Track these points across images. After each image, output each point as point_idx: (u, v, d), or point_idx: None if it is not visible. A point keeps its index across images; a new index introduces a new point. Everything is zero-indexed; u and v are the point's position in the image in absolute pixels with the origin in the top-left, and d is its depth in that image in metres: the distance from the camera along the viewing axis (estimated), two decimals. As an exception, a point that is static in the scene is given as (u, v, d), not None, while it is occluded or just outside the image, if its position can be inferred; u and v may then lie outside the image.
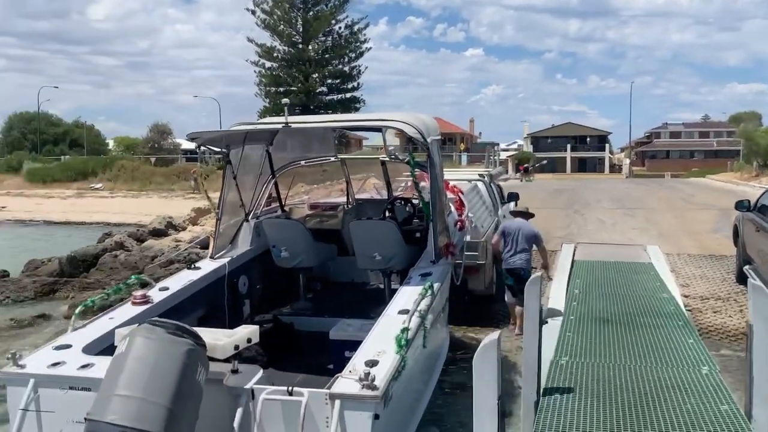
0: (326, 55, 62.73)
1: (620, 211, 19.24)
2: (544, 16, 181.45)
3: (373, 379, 3.60)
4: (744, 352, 7.68)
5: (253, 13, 61.87)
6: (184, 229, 16.94)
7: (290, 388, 3.64)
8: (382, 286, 6.97)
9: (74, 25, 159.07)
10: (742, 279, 10.40)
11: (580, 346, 6.19)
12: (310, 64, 60.99)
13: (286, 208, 8.01)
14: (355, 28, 64.60)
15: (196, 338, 3.57)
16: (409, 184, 8.57)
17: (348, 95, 65.49)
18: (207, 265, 6.26)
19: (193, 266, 6.26)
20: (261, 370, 3.91)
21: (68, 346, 4.32)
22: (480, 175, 11.43)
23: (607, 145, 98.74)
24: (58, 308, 11.41)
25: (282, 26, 62.14)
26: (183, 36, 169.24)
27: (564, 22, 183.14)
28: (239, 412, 3.62)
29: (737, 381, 6.45)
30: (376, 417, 3.56)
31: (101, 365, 3.80)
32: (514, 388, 6.36)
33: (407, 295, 5.10)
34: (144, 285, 5.62)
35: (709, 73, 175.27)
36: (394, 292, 5.56)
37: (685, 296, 9.83)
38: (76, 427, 3.64)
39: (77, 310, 4.80)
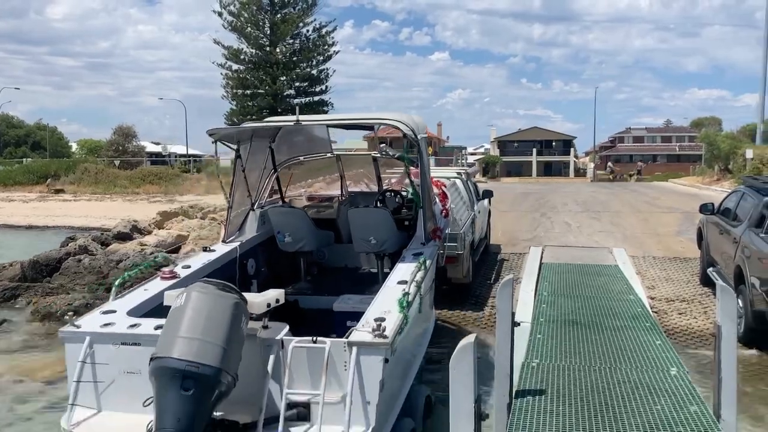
0: (294, 58, 62.42)
1: (586, 215, 19.40)
2: (508, 20, 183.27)
3: (384, 330, 4.22)
4: (709, 353, 7.84)
5: (220, 15, 61.23)
6: (149, 232, 16.65)
7: (314, 338, 4.23)
8: (374, 270, 7.60)
9: (32, 25, 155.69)
10: (706, 281, 10.59)
11: (551, 348, 6.24)
12: (278, 66, 60.69)
13: (286, 200, 8.56)
14: (323, 31, 64.42)
15: (240, 295, 4.16)
16: (393, 181, 9.63)
17: (316, 98, 65.30)
18: (220, 249, 6.87)
19: (208, 249, 6.88)
20: (287, 326, 4.45)
21: (113, 311, 4.87)
22: (458, 173, 12.38)
23: (572, 150, 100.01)
24: (21, 313, 11.14)
25: (249, 28, 61.70)
26: (145, 37, 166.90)
27: (528, 27, 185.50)
28: (272, 359, 4.23)
29: (703, 381, 6.56)
30: (386, 361, 4.16)
31: (147, 325, 4.51)
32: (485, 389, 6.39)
33: (404, 269, 5.72)
34: (164, 265, 6.49)
35: (670, 78, 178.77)
36: (386, 275, 6.03)
37: (651, 298, 9.97)
38: (127, 377, 4.34)
39: (116, 282, 5.40)
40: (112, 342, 4.46)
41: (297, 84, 64.43)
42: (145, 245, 14.92)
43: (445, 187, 9.26)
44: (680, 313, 9.52)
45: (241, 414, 4.09)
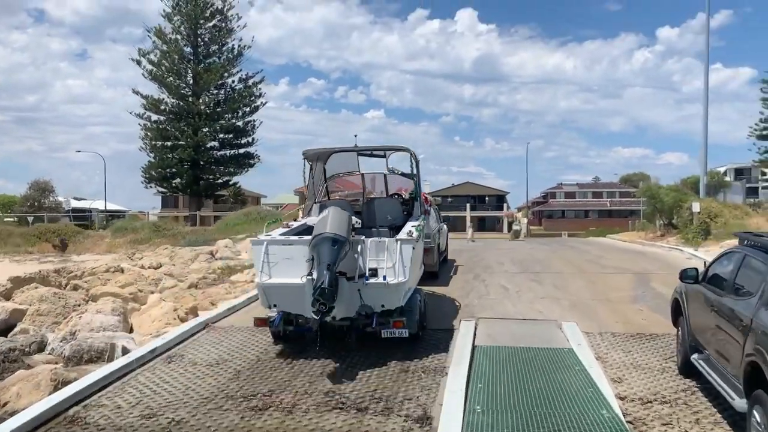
0: (218, 109, 59.54)
1: (525, 276, 16.89)
2: (440, 81, 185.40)
3: (412, 234, 9.26)
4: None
5: (139, 63, 58.25)
6: (-13, 304, 13.22)
7: (380, 238, 9.27)
8: None
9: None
10: (687, 371, 8.02)
11: None
12: (200, 117, 57.59)
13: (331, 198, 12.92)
14: (250, 81, 62.06)
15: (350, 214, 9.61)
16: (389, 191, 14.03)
17: (242, 150, 62.33)
18: (302, 220, 11.44)
19: (296, 219, 12.48)
20: (364, 236, 9.37)
21: (270, 234, 9.73)
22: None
23: (505, 205, 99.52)
24: None
25: (170, 78, 58.70)
26: (75, 91, 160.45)
27: (459, 87, 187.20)
28: (360, 247, 8.88)
29: None
30: (413, 248, 9.07)
31: (294, 238, 9.41)
32: None
33: (413, 222, 10.52)
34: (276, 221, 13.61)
35: (595, 137, 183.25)
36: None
37: (621, 398, 7.31)
38: (285, 261, 8.87)
39: (267, 224, 11.13)
40: (278, 244, 9.11)
41: (221, 136, 61.48)
42: (-28, 323, 11.47)
43: (426, 194, 15.44)
44: (665, 424, 6.82)
45: (348, 271, 8.71)
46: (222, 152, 62.05)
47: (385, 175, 13.43)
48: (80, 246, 34.56)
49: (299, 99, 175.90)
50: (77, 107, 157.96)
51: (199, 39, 60.48)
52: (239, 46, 61.17)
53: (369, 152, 12.54)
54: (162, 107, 58.89)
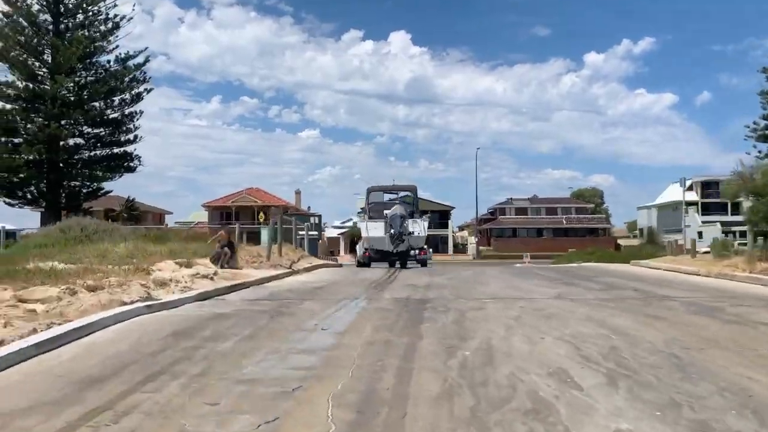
0: (84, 94, 45.25)
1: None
2: (373, 101, 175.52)
3: (425, 219, 31.27)
4: None
5: (-27, 31, 43.65)
6: None
7: (414, 219, 29.59)
8: None
9: None
10: None
11: None
12: (54, 103, 43.08)
13: None
14: (131, 62, 48.05)
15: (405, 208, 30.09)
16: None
17: (117, 150, 48.02)
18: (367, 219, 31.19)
19: (371, 218, 30.71)
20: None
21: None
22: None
23: (450, 222, 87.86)
24: None
25: (18, 53, 44.23)
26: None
27: (393, 108, 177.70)
28: (406, 222, 28.39)
29: None
30: (426, 223, 30.59)
31: (378, 219, 29.24)
32: None
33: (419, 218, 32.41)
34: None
35: (525, 159, 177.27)
36: None
37: None
38: (375, 227, 28.79)
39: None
40: (371, 220, 29.28)
41: (89, 130, 47.04)
42: None
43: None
44: None
45: (403, 231, 27.71)
46: (94, 152, 47.75)
47: (398, 203, 29.51)
48: None
49: (232, 118, 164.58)
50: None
51: (61, 5, 46.28)
52: (117, 17, 47.26)
53: (389, 190, 31.88)
54: (8, 92, 44.35)
